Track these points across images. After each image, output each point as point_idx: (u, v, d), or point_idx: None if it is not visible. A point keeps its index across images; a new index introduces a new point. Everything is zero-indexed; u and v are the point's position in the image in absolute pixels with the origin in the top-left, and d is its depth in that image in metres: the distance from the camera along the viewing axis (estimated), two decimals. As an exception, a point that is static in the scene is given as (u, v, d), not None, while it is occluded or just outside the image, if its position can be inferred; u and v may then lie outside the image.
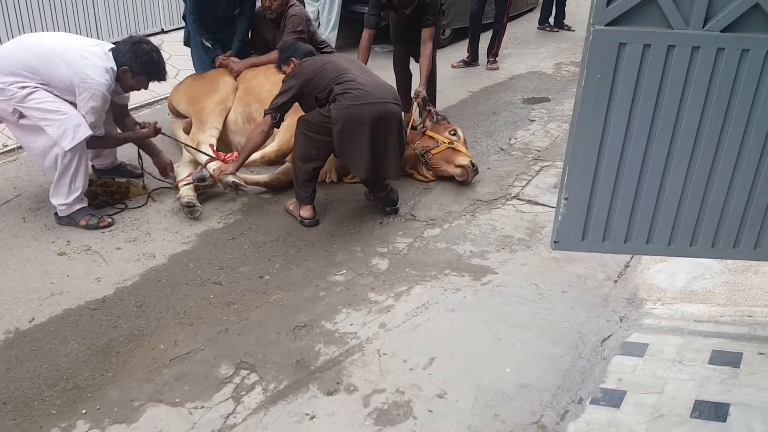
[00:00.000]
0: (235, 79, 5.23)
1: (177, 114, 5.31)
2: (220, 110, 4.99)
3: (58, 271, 3.72)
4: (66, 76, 3.85)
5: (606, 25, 2.28)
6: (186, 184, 4.41)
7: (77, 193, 4.07)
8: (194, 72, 5.62)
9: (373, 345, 3.17)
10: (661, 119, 2.40)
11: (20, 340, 3.19)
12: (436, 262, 3.86)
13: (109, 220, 4.17)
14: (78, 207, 4.12)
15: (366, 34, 5.30)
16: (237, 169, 4.31)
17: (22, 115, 3.90)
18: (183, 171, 4.63)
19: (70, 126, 3.87)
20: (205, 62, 5.49)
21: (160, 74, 4.16)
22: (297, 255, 3.94)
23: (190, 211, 4.29)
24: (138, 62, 4.01)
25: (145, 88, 4.26)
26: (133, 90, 4.27)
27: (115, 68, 3.98)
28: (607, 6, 2.26)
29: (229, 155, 4.52)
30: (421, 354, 3.09)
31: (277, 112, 4.14)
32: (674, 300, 3.46)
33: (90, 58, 3.90)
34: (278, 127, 4.25)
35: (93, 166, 4.77)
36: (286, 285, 3.65)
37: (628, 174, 2.48)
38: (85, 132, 3.91)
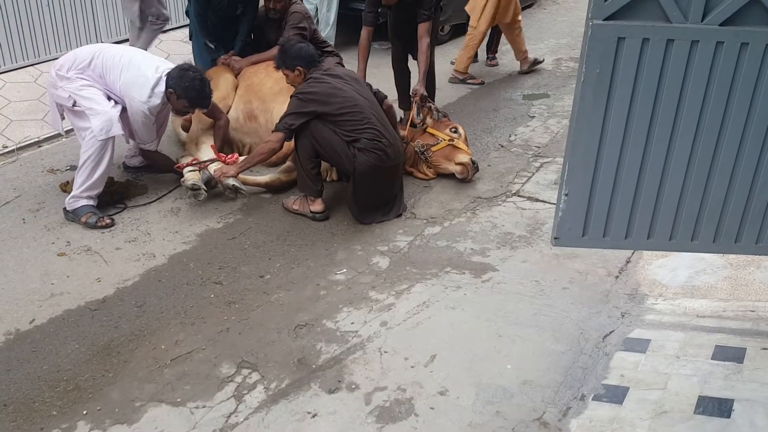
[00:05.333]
0: (236, 77, 5.22)
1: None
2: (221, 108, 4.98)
3: (58, 271, 3.71)
4: (119, 89, 4.20)
5: (605, 19, 2.27)
6: (191, 170, 4.42)
7: (88, 184, 4.14)
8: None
9: (375, 343, 3.16)
10: (660, 113, 2.38)
11: (20, 341, 3.19)
12: (436, 260, 3.85)
13: (108, 221, 4.17)
14: (84, 203, 4.17)
15: (365, 31, 5.28)
16: (238, 173, 4.33)
17: (75, 103, 4.17)
18: (186, 160, 4.64)
19: (106, 121, 4.09)
20: (206, 61, 5.48)
21: (200, 102, 4.31)
22: (297, 254, 3.93)
23: (194, 194, 4.33)
24: (181, 87, 4.16)
25: (191, 112, 4.49)
26: (180, 113, 4.51)
27: (163, 91, 4.20)
28: (606, 0, 2.25)
29: (230, 156, 4.51)
30: (422, 352, 3.09)
31: (291, 132, 4.14)
32: (676, 295, 3.45)
33: (141, 81, 4.17)
34: (289, 140, 4.23)
35: (124, 163, 4.89)
36: (287, 284, 3.64)
37: (629, 169, 2.47)
38: (117, 131, 4.14)
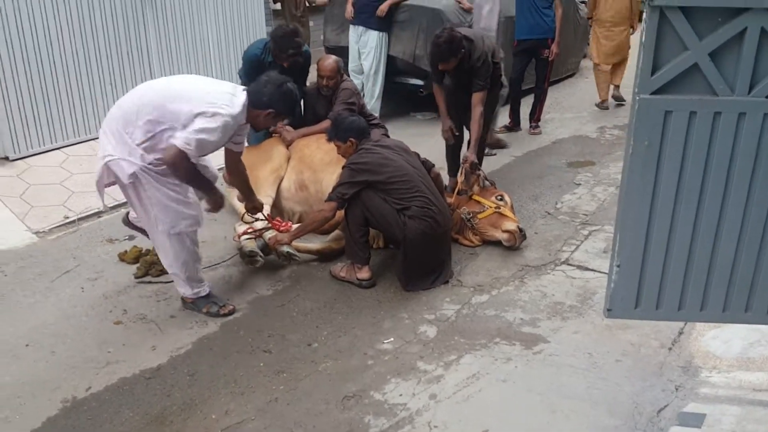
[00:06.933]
0: (288, 148, 5.39)
1: (232, 184, 5.46)
2: (274, 179, 5.16)
3: (114, 340, 3.80)
4: (189, 111, 3.51)
5: (651, 93, 2.31)
6: (248, 238, 4.53)
7: (192, 274, 3.98)
8: (248, 144, 5.80)
9: (424, 417, 3.13)
10: (710, 185, 2.40)
11: (77, 409, 3.25)
12: (485, 330, 3.83)
13: (231, 307, 4.07)
14: (204, 293, 4.06)
15: (435, 86, 5.61)
16: (291, 240, 4.44)
17: (138, 180, 3.60)
18: (242, 228, 4.76)
19: (177, 219, 3.76)
20: (258, 134, 5.68)
21: (293, 111, 4.18)
22: (344, 322, 3.96)
23: (251, 260, 4.46)
24: (287, 106, 3.86)
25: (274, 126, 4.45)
26: (262, 129, 4.36)
27: (246, 104, 3.71)
28: (652, 75, 2.30)
29: (283, 224, 4.61)
30: (473, 426, 3.04)
31: (344, 202, 4.24)
32: (731, 368, 3.35)
33: (220, 90, 3.67)
34: (341, 209, 4.32)
35: None
36: (334, 353, 3.65)
37: (680, 240, 2.47)
38: (186, 226, 3.78)
